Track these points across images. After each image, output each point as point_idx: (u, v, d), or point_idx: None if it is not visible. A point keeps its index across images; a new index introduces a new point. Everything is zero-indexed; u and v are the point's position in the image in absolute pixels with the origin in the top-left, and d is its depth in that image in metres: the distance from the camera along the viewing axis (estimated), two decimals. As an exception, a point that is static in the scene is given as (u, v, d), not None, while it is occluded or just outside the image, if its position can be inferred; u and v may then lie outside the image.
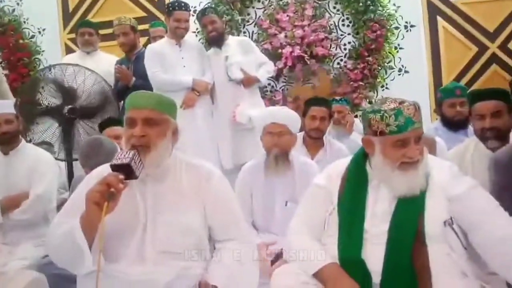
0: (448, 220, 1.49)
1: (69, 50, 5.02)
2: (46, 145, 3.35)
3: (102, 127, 3.08)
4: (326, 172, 1.72)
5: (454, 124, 3.10)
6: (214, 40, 3.68)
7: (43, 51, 5.12)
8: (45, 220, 2.49)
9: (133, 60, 3.84)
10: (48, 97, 3.45)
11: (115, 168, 1.44)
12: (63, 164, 3.32)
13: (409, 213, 1.50)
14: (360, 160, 1.66)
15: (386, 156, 1.53)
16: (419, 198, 1.52)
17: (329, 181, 1.67)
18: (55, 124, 3.42)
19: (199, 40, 4.49)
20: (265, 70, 3.74)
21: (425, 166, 1.54)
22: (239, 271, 1.57)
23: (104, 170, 1.64)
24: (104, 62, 3.99)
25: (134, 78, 3.69)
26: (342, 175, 1.65)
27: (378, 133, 1.53)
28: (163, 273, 1.48)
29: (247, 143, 3.53)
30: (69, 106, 3.35)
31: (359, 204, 1.57)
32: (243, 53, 3.67)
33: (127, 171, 1.43)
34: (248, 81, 3.62)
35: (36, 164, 2.52)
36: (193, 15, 3.89)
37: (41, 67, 4.75)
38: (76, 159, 3.27)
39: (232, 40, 3.75)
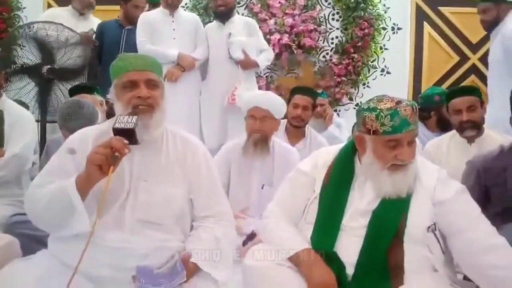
0: (432, 226, 1.49)
1: (50, 10, 4.83)
2: (20, 104, 3.23)
3: (72, 93, 3.01)
4: (312, 159, 1.69)
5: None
6: (221, 15, 3.59)
7: (24, 7, 4.92)
8: (17, 181, 2.41)
9: (127, 28, 3.78)
10: (26, 55, 3.33)
11: (117, 131, 1.40)
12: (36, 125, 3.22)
13: (392, 213, 1.49)
14: (349, 153, 1.62)
15: (377, 156, 1.50)
16: (404, 199, 1.50)
17: (314, 168, 1.64)
18: (31, 83, 3.31)
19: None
20: (265, 56, 3.70)
21: (414, 168, 1.53)
22: (217, 249, 1.56)
23: (88, 133, 1.60)
24: None
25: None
26: (329, 164, 1.62)
27: (371, 132, 1.48)
28: (141, 243, 1.46)
29: (235, 124, 3.44)
30: (48, 66, 3.24)
31: (341, 199, 1.55)
32: (247, 35, 3.61)
33: (129, 136, 1.39)
34: (246, 63, 3.56)
35: (16, 122, 2.38)
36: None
37: (20, 24, 4.54)
38: (50, 121, 3.20)
39: (238, 19, 3.68)
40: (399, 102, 1.48)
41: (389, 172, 1.49)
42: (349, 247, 1.49)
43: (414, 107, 1.50)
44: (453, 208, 1.49)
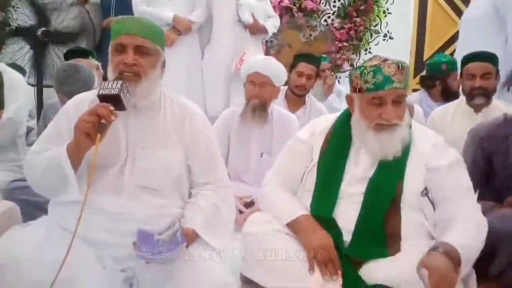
0: (424, 190, 1.50)
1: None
2: (16, 68, 3.18)
3: (68, 56, 2.94)
4: (311, 127, 1.69)
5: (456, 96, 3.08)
6: None
7: (17, -33, 4.78)
8: (13, 145, 2.40)
9: None
10: (21, 18, 3.25)
11: (103, 98, 1.38)
12: (32, 90, 3.18)
13: (388, 178, 1.50)
14: (346, 120, 1.61)
15: (363, 115, 1.51)
16: (399, 165, 1.50)
17: (312, 136, 1.64)
18: (26, 46, 3.24)
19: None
20: (272, 23, 3.60)
21: (403, 131, 1.50)
22: (215, 216, 1.57)
23: (83, 99, 1.58)
24: None
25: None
26: (327, 132, 1.63)
27: (357, 90, 1.51)
28: (139, 208, 1.47)
29: (238, 91, 3.27)
30: (43, 29, 3.17)
31: (339, 165, 1.56)
32: None
33: (115, 102, 1.37)
34: (255, 28, 3.45)
35: (9, 86, 2.34)
36: None
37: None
38: (47, 86, 3.16)
39: None
40: (385, 60, 1.48)
41: (374, 132, 1.49)
42: (347, 213, 1.50)
43: (401, 65, 1.47)
44: (444, 177, 1.50)
